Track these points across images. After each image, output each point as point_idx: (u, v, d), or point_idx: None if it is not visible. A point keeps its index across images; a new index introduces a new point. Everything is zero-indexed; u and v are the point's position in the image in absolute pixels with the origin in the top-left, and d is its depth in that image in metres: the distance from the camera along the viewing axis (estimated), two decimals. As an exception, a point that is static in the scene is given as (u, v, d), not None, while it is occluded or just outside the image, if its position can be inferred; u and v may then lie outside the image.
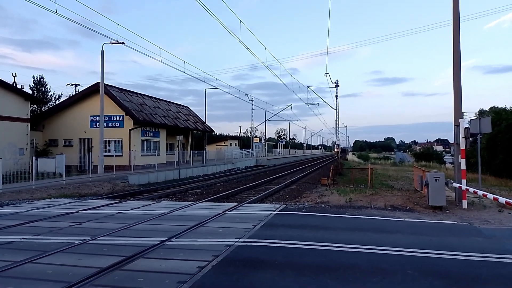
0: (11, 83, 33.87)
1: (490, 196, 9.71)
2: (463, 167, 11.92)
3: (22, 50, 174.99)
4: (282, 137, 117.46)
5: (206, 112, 41.60)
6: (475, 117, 12.90)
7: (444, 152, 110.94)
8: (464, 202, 11.54)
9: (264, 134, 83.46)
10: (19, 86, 34.72)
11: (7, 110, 24.32)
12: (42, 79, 41.94)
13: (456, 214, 10.49)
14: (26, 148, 25.85)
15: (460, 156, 12.07)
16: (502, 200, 8.83)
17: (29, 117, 26.59)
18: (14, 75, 39.00)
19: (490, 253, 6.29)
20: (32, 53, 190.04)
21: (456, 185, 11.98)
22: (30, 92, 38.08)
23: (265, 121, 67.38)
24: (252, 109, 61.26)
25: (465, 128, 12.04)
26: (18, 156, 24.61)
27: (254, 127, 68.95)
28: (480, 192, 10.42)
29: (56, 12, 16.37)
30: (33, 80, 41.58)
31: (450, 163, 55.24)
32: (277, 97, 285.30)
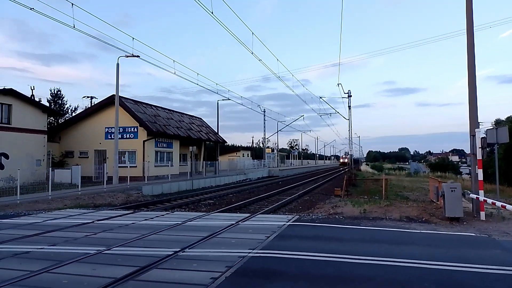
0: (29, 95, 34.79)
1: (509, 207, 9.47)
2: (480, 177, 11.68)
3: (41, 64, 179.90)
4: (294, 148, 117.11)
5: (219, 123, 41.99)
6: (491, 127, 12.68)
7: (460, 163, 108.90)
8: (482, 214, 11.28)
9: (276, 144, 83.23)
10: (37, 99, 35.64)
11: (25, 122, 24.95)
12: (59, 92, 42.93)
13: (474, 226, 10.25)
14: (43, 159, 26.38)
15: (476, 166, 11.84)
16: (522, 211, 8.61)
17: (46, 129, 27.21)
18: (32, 88, 40.01)
19: (509, 266, 6.12)
20: (50, 67, 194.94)
21: (473, 196, 11.73)
22: (48, 104, 38.98)
23: (277, 132, 67.45)
24: (264, 119, 61.45)
25: (482, 138, 11.83)
26: (35, 167, 25.12)
27: (266, 137, 69.03)
28: (498, 203, 10.18)
29: (74, 27, 16.83)
30: (50, 93, 42.59)
31: (466, 173, 54.23)
32: (289, 108, 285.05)
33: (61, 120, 37.35)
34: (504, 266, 6.12)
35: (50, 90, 43.92)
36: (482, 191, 11.54)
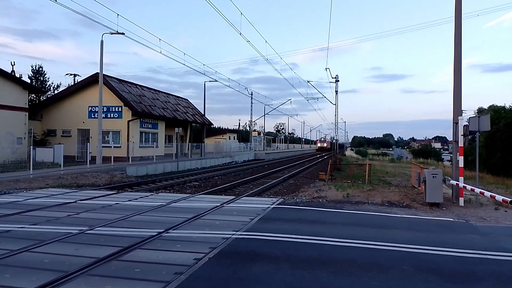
0: (10, 71, 33.68)
1: (487, 194, 9.77)
2: (461, 164, 11.94)
3: (23, 40, 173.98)
4: (280, 132, 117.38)
5: (205, 105, 41.56)
6: (474, 115, 12.90)
7: (442, 150, 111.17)
8: (461, 200, 11.59)
9: (263, 128, 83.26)
10: (17, 75, 34.53)
11: (5, 99, 24.19)
12: (41, 68, 41.69)
13: (452, 211, 10.53)
14: (24, 138, 25.77)
15: (458, 153, 12.09)
16: (499, 198, 8.88)
17: (27, 106, 26.47)
18: (13, 63, 38.60)
19: (485, 250, 6.34)
20: (33, 43, 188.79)
21: (454, 182, 12.01)
22: (29, 81, 37.85)
23: (264, 115, 67.29)
24: (252, 103, 61.14)
25: (464, 125, 12.04)
26: (16, 145, 24.56)
27: (253, 121, 68.79)
28: (477, 190, 10.46)
29: (56, 1, 16.22)
30: (32, 69, 41.30)
31: (448, 160, 55.46)
32: (276, 92, 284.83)
33: (43, 98, 36.35)
34: (480, 250, 6.34)
35: (32, 67, 42.51)
36: (462, 177, 11.83)
